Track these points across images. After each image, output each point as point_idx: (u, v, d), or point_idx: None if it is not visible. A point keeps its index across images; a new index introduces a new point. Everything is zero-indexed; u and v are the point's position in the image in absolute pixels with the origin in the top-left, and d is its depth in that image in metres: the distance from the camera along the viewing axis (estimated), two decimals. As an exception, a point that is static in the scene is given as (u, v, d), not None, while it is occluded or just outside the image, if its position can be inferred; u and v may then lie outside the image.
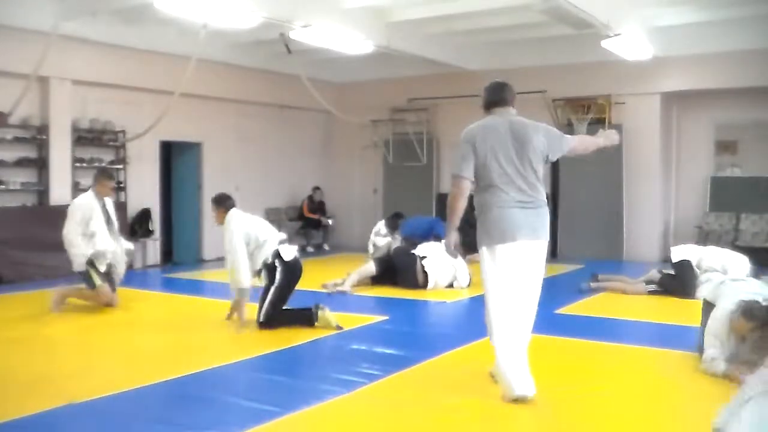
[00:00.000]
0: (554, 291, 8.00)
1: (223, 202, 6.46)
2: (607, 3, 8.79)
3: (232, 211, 6.40)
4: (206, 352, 5.57)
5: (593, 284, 8.41)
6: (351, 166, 14.43)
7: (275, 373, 4.97)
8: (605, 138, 4.71)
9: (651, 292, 8.08)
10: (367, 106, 13.48)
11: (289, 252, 6.34)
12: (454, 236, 4.35)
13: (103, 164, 10.29)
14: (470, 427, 3.93)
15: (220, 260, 10.65)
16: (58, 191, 9.83)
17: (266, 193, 13.01)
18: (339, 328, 6.17)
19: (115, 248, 7.24)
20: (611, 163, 11.38)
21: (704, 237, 11.25)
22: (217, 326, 6.44)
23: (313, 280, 8.08)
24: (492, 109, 4.39)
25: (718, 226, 11.51)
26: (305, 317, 6.25)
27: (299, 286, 6.49)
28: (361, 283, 8.62)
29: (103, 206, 7.23)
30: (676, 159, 12.22)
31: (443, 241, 4.72)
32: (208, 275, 10.30)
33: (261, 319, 6.19)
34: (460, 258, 8.23)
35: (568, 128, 11.30)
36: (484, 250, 4.25)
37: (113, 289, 7.24)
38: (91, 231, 7.02)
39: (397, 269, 8.67)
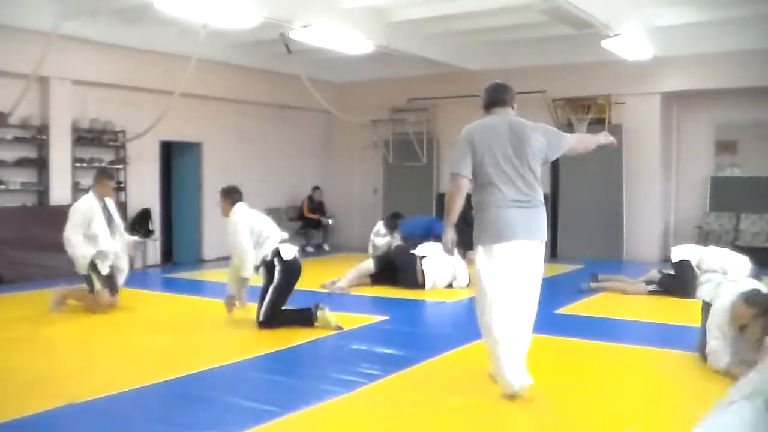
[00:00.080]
0: (554, 291, 8.02)
1: (230, 195, 6.51)
2: (607, 3, 8.79)
3: (238, 205, 6.44)
4: (206, 352, 5.57)
5: (593, 284, 8.41)
6: (351, 166, 14.43)
7: (275, 373, 4.97)
8: (605, 136, 4.75)
9: (651, 292, 8.08)
10: (367, 106, 13.47)
11: (289, 251, 6.35)
12: (451, 234, 4.36)
13: (103, 164, 10.28)
14: (470, 427, 3.94)
15: (220, 260, 10.69)
16: (58, 191, 9.83)
17: (266, 193, 12.97)
18: (339, 328, 6.18)
19: (117, 249, 7.23)
20: (611, 163, 11.36)
21: (704, 237, 11.25)
22: (217, 326, 6.45)
23: (312, 280, 8.09)
24: (491, 109, 4.43)
25: (718, 226, 11.51)
26: (305, 317, 6.26)
27: (299, 286, 6.50)
28: (360, 283, 8.64)
29: (104, 207, 7.22)
30: (676, 159, 12.22)
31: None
32: (208, 275, 10.28)
33: (261, 319, 6.19)
34: (459, 257, 8.23)
35: (568, 128, 11.26)
36: (480, 249, 4.25)
37: (115, 291, 7.22)
38: (93, 233, 7.01)
39: (397, 269, 8.68)
